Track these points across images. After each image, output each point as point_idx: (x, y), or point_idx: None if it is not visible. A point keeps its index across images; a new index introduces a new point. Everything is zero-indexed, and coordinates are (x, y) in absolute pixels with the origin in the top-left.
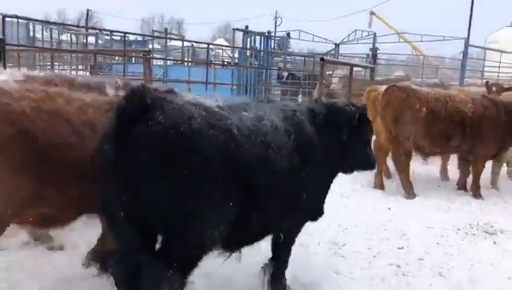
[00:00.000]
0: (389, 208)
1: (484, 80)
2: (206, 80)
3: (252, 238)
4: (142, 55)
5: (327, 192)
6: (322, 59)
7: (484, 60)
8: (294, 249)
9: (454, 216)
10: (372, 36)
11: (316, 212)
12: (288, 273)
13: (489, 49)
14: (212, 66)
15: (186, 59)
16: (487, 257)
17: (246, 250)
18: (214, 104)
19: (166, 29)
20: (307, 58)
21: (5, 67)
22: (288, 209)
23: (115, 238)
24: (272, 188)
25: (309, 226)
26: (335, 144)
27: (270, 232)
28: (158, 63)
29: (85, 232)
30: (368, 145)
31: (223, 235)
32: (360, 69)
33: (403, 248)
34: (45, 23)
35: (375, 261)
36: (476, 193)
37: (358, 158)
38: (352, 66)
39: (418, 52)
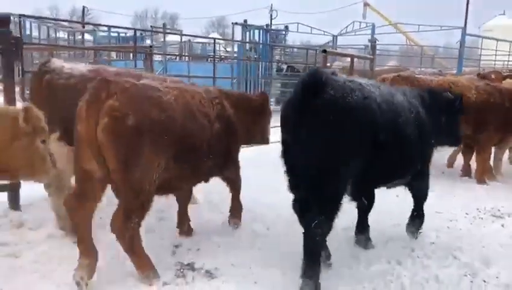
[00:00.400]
0: (397, 195)
1: (481, 68)
2: (214, 75)
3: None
4: (144, 50)
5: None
6: (324, 51)
7: (481, 48)
8: None
9: (461, 201)
10: (370, 27)
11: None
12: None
13: (486, 37)
14: (209, 60)
15: (184, 54)
16: (496, 239)
17: None
18: (362, 81)
19: (164, 24)
20: (304, 51)
21: (22, 66)
22: (402, 166)
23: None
24: (398, 147)
25: None
26: (437, 122)
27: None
28: (157, 59)
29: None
30: (459, 124)
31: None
32: (356, 60)
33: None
34: (42, 20)
35: (389, 245)
36: (481, 179)
37: (452, 135)
38: (353, 57)
39: (413, 43)
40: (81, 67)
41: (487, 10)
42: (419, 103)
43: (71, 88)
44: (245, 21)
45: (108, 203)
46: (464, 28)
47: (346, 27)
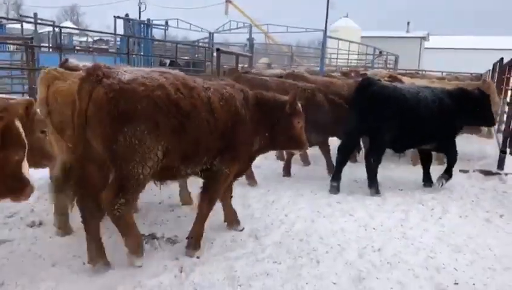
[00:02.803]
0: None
1: (338, 67)
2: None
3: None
4: (23, 42)
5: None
6: (218, 50)
7: (338, 48)
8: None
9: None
10: (247, 27)
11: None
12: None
13: (341, 39)
14: (77, 52)
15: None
16: (374, 201)
17: None
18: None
19: (35, 14)
20: (181, 46)
21: None
22: (425, 135)
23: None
24: (421, 122)
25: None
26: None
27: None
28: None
29: None
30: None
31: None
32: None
33: (289, 202)
34: None
35: (302, 211)
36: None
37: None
38: (238, 55)
39: (272, 41)
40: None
41: (331, 12)
42: (442, 97)
43: None
44: (126, 15)
45: None
46: (325, 31)
47: (223, 25)
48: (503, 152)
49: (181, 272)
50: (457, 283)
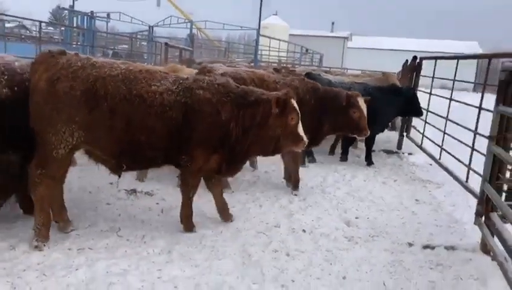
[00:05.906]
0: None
1: (270, 63)
2: None
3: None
4: None
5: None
6: (166, 44)
7: (269, 46)
8: None
9: None
10: (187, 22)
11: None
12: None
13: (274, 39)
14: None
15: None
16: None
17: None
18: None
19: None
20: (118, 37)
21: None
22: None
23: None
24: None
25: None
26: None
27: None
28: None
29: None
30: None
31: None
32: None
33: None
34: None
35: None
36: None
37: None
38: (181, 49)
39: (205, 36)
40: None
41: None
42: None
43: None
44: (71, 6)
45: None
46: (258, 29)
47: (164, 20)
48: (401, 136)
49: None
50: (357, 218)
